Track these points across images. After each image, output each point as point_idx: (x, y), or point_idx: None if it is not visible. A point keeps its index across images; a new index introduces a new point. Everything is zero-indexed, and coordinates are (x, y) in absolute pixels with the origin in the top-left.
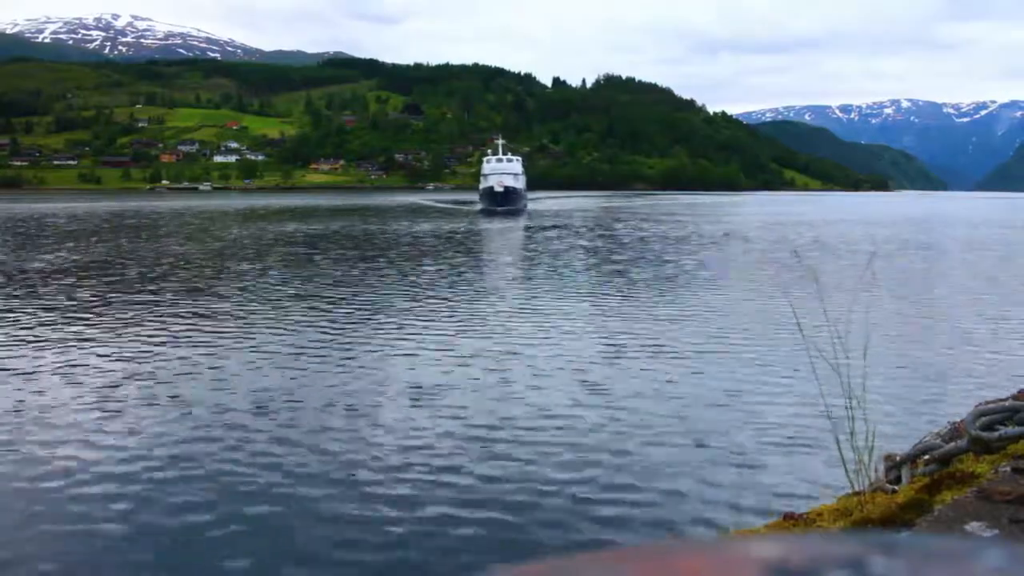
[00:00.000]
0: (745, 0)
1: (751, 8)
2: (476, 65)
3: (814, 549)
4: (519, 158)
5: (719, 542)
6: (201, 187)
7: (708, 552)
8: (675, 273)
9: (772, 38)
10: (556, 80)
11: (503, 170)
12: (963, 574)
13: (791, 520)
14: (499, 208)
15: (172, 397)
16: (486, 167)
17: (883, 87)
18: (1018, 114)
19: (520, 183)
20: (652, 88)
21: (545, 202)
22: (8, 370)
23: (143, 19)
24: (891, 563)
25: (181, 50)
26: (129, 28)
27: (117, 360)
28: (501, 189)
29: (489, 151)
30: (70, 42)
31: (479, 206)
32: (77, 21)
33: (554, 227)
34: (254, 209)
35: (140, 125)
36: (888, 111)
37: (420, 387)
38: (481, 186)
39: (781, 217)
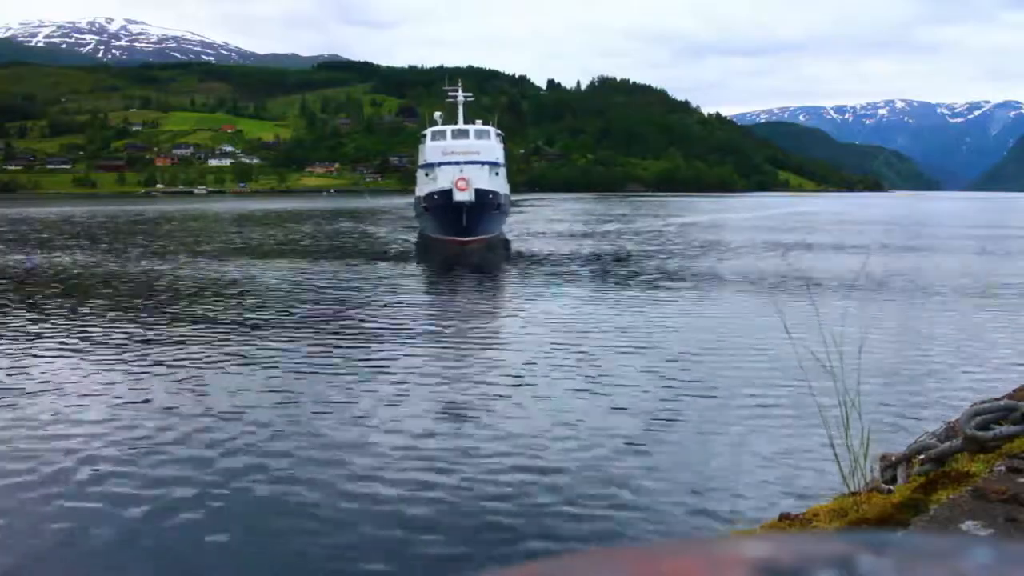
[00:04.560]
0: (724, 4)
1: (732, 12)
2: (470, 67)
3: (804, 549)
4: (496, 130)
5: (709, 542)
6: (196, 191)
7: (698, 552)
8: (667, 276)
9: (760, 41)
10: (551, 82)
11: (467, 153)
12: (953, 572)
13: (787, 521)
14: (463, 238)
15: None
16: (430, 149)
17: (878, 88)
18: (1012, 114)
19: (500, 182)
20: (647, 90)
21: (539, 214)
22: None
23: (136, 22)
24: (881, 562)
25: (175, 54)
26: (123, 32)
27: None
28: (468, 198)
29: (437, 116)
30: (63, 46)
31: (418, 230)
32: (70, 25)
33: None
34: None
35: (135, 129)
36: (882, 112)
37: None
38: (422, 190)
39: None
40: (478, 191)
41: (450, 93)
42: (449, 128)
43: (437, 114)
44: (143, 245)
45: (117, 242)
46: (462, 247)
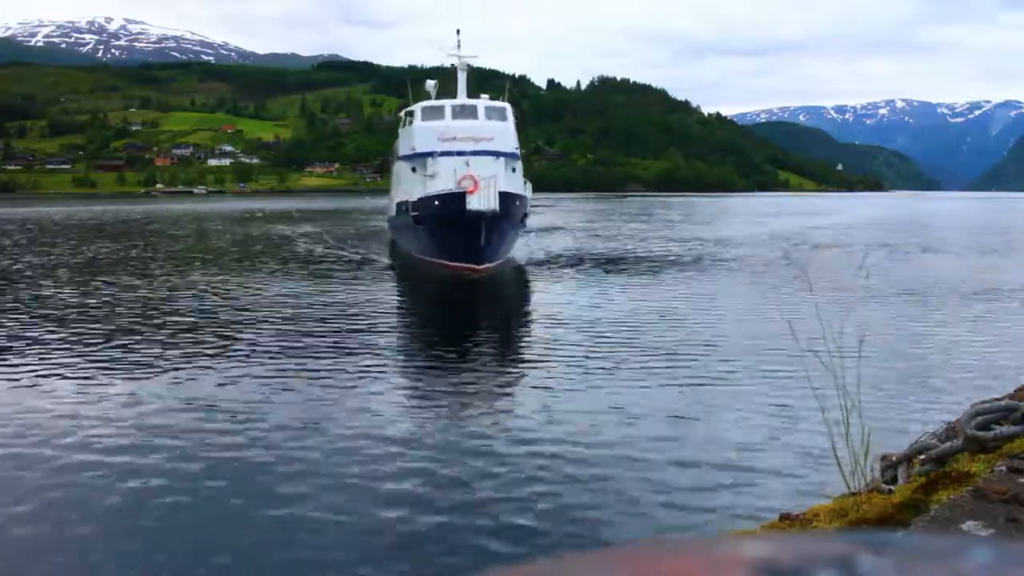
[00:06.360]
0: (724, 4)
1: (732, 12)
2: (471, 67)
3: (804, 548)
4: (508, 106)
5: (709, 542)
6: (196, 191)
7: (698, 552)
8: (667, 275)
9: (760, 41)
10: (551, 82)
11: (476, 139)
12: (953, 572)
13: (787, 521)
14: (477, 265)
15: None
16: (421, 132)
17: (878, 88)
18: (1012, 114)
19: (518, 182)
20: (647, 90)
21: (547, 219)
22: None
23: (136, 22)
24: (881, 562)
25: (175, 53)
26: (122, 31)
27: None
28: (489, 206)
29: (430, 86)
30: (63, 45)
31: (389, 245)
32: (70, 24)
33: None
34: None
35: (135, 129)
36: (883, 111)
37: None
38: (409, 192)
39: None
40: (503, 196)
41: (448, 56)
42: (448, 103)
43: (430, 83)
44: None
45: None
46: (472, 276)
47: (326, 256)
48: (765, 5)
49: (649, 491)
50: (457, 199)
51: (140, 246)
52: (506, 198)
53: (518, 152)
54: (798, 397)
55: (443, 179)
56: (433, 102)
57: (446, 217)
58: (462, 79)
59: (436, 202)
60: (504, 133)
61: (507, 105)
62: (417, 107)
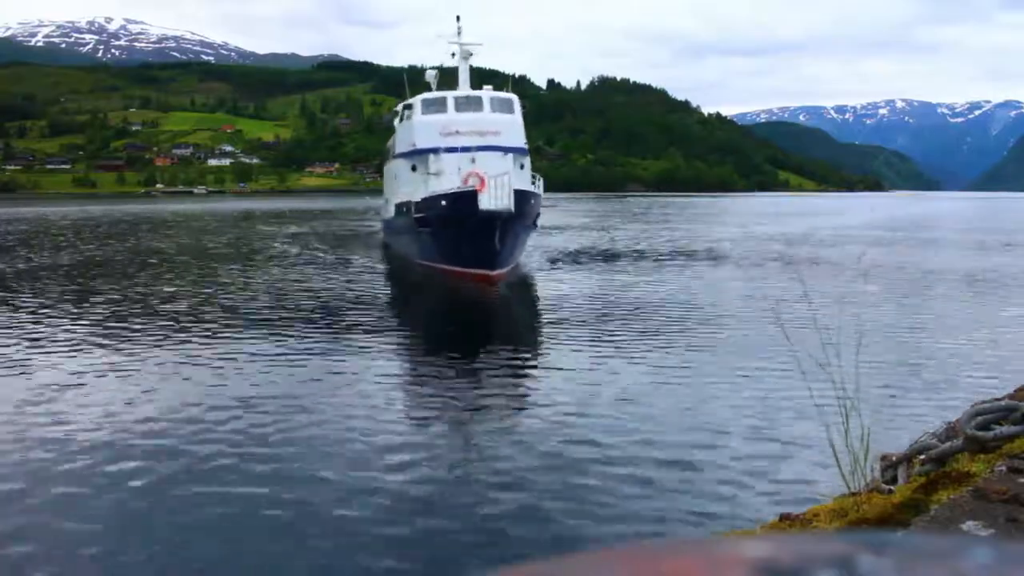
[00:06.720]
0: (724, 4)
1: (732, 12)
2: (471, 67)
3: (804, 548)
4: (514, 97)
5: (709, 542)
6: (196, 191)
7: (698, 552)
8: (667, 278)
9: (760, 41)
10: (551, 82)
11: (482, 133)
12: (953, 572)
13: (787, 521)
14: (491, 271)
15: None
16: (421, 126)
17: (878, 88)
18: (1012, 114)
19: (527, 179)
20: (647, 90)
21: (547, 220)
22: None
23: (136, 22)
24: (881, 562)
25: (175, 53)
26: (122, 31)
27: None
28: (503, 205)
29: (431, 75)
30: (63, 45)
31: (382, 248)
32: (70, 24)
33: None
34: None
35: (135, 129)
36: (883, 112)
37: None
38: (411, 192)
39: None
40: (518, 195)
41: (449, 43)
42: (451, 95)
43: (431, 72)
44: None
45: None
46: (487, 284)
47: (319, 259)
48: (765, 5)
49: (649, 491)
50: (468, 198)
51: (125, 251)
52: (521, 196)
53: (526, 147)
54: (798, 398)
55: (448, 177)
56: (434, 94)
57: (456, 218)
58: (464, 68)
59: (443, 202)
60: (511, 126)
61: (514, 96)
62: (416, 99)
